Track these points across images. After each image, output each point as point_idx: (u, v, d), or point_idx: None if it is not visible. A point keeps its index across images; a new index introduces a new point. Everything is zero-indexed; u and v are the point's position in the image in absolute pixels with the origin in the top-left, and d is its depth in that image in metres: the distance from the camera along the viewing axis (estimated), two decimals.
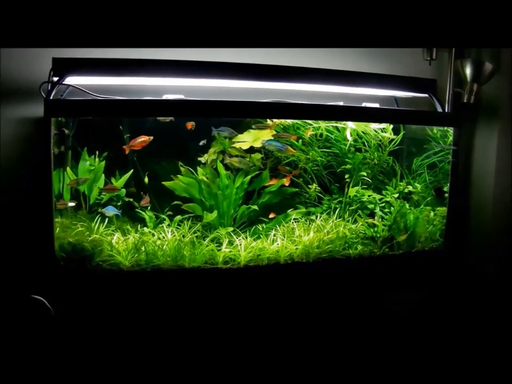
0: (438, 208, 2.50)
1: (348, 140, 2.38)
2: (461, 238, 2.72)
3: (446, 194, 2.45)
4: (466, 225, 2.75)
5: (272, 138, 2.24)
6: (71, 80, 2.03)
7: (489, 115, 2.64)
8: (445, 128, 2.46)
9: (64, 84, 2.01)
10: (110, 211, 2.11)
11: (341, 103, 2.36)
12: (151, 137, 2.08)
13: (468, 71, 2.47)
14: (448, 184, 2.44)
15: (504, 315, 2.53)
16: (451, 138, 2.44)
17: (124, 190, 2.18)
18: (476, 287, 2.66)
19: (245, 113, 2.15)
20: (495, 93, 2.58)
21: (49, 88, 1.96)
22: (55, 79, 1.98)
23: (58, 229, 1.98)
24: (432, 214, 2.50)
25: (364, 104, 2.37)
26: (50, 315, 2.10)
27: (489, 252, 2.65)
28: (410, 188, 2.48)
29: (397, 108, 2.66)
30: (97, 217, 2.11)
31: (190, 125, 2.12)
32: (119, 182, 2.16)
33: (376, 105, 2.40)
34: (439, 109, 2.48)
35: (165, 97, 2.03)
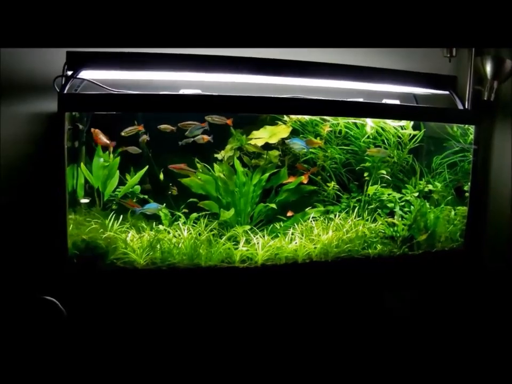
0: (458, 208, 2.46)
1: (368, 132, 2.35)
2: (480, 238, 2.68)
3: (467, 194, 2.41)
4: (484, 225, 2.71)
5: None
6: (85, 74, 1.99)
7: (508, 113, 2.59)
8: (465, 126, 2.42)
9: (79, 78, 1.98)
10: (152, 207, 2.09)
11: (361, 100, 2.32)
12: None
13: (488, 68, 2.42)
14: (469, 184, 2.40)
15: None
16: (471, 136, 2.40)
17: (138, 187, 2.15)
18: (494, 288, 2.61)
19: (263, 109, 2.11)
20: None
21: (63, 82, 1.93)
22: (69, 73, 1.95)
23: (71, 226, 1.94)
24: (452, 213, 2.46)
25: (384, 101, 2.32)
26: (62, 316, 2.06)
27: (507, 251, 2.60)
28: (430, 186, 2.44)
29: (419, 105, 2.62)
30: (111, 214, 2.08)
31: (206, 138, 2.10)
32: (134, 179, 2.13)
33: (397, 102, 2.35)
34: (460, 106, 2.44)
35: (181, 92, 1.99)
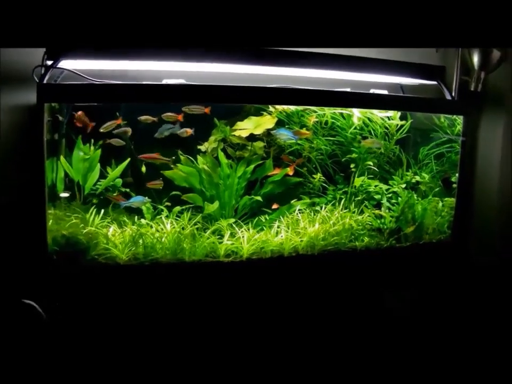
0: (446, 199, 2.45)
1: (355, 123, 2.32)
2: (467, 230, 2.67)
3: (454, 185, 2.40)
4: (470, 216, 2.71)
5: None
6: (66, 64, 1.94)
7: (495, 104, 2.60)
8: (453, 117, 2.40)
9: (59, 68, 1.93)
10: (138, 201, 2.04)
11: (348, 90, 2.29)
12: None
13: (476, 58, 2.42)
14: (457, 175, 2.39)
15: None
16: (458, 127, 2.39)
17: (120, 180, 2.10)
18: (481, 279, 2.63)
19: (248, 99, 2.07)
20: (501, 82, 2.53)
21: (42, 72, 1.89)
22: (49, 62, 1.90)
23: (51, 221, 1.90)
24: (440, 205, 2.45)
25: (371, 91, 2.30)
26: (41, 320, 2.01)
27: (494, 243, 2.62)
28: (417, 178, 2.43)
29: (406, 95, 2.61)
30: (92, 209, 2.03)
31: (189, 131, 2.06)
32: (115, 172, 2.08)
33: (385, 92, 2.33)
34: (448, 97, 2.42)
35: (164, 82, 1.94)
